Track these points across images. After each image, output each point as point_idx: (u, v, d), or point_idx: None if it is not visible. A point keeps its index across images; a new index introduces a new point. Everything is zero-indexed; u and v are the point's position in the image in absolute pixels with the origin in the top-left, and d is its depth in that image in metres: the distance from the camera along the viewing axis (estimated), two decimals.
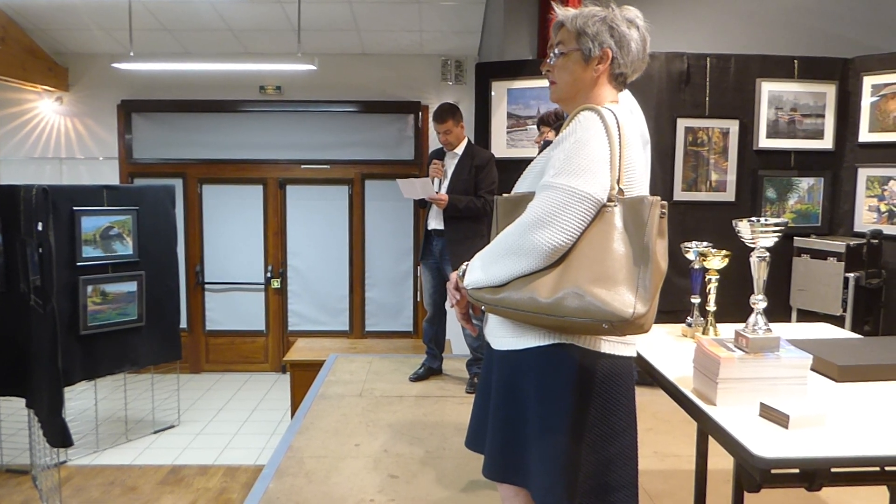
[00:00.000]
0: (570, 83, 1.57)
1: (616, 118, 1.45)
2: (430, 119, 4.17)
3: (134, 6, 5.14)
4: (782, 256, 4.14)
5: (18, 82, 5.89)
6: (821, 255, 4.05)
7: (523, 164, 1.76)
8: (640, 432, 1.56)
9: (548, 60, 1.62)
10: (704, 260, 2.10)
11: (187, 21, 5.65)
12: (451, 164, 3.95)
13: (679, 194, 4.20)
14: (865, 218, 4.17)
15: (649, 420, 3.53)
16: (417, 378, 4.25)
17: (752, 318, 1.59)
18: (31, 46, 5.93)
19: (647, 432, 3.39)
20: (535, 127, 4.26)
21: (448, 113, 3.89)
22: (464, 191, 3.86)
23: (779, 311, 4.10)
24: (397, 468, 3.06)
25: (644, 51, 1.57)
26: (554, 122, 3.50)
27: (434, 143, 6.09)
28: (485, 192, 3.85)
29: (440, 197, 3.80)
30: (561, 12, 1.59)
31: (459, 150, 3.95)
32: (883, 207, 4.09)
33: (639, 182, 1.49)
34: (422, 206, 4.10)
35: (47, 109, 6.37)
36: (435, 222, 3.95)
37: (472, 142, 4.15)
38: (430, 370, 4.29)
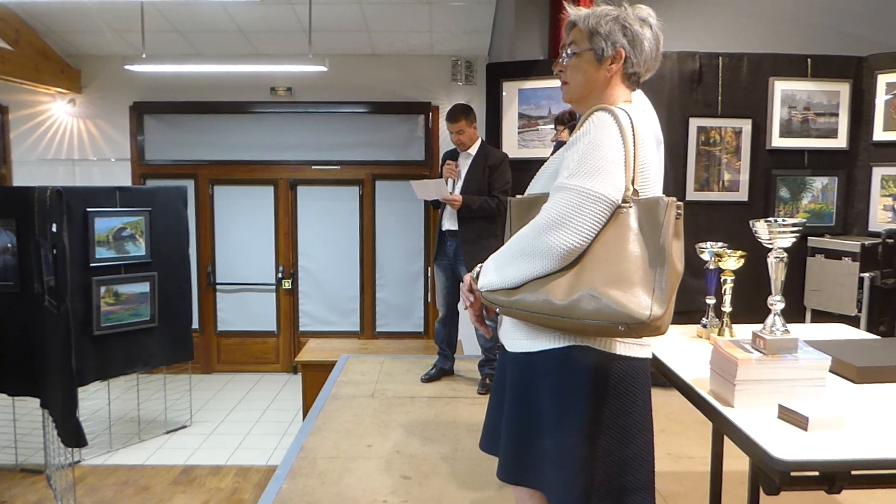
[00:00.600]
0: (582, 83, 1.56)
1: (630, 118, 1.43)
2: (444, 119, 4.17)
3: (145, 8, 5.17)
4: (796, 256, 4.10)
5: (32, 84, 5.95)
6: (835, 255, 4.02)
7: (535, 164, 1.75)
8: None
9: (560, 60, 1.60)
10: (720, 260, 2.09)
11: (198, 23, 5.68)
12: (464, 165, 3.94)
13: (691, 194, 4.17)
14: (880, 217, 4.13)
15: (662, 421, 3.51)
16: (429, 379, 4.24)
17: (769, 319, 1.57)
18: (43, 49, 5.98)
19: (661, 434, 3.37)
20: (546, 127, 4.25)
21: (461, 113, 3.88)
22: (477, 191, 3.85)
23: (793, 311, 4.06)
24: (410, 469, 3.06)
25: (657, 50, 1.55)
26: (568, 121, 3.49)
27: (445, 143, 6.09)
28: (499, 193, 3.84)
29: (454, 198, 3.79)
30: (573, 12, 1.58)
31: (473, 150, 3.95)
32: None
33: (653, 182, 1.48)
34: (435, 207, 4.10)
35: (60, 111, 6.42)
36: (449, 223, 3.95)
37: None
38: (442, 371, 4.29)
